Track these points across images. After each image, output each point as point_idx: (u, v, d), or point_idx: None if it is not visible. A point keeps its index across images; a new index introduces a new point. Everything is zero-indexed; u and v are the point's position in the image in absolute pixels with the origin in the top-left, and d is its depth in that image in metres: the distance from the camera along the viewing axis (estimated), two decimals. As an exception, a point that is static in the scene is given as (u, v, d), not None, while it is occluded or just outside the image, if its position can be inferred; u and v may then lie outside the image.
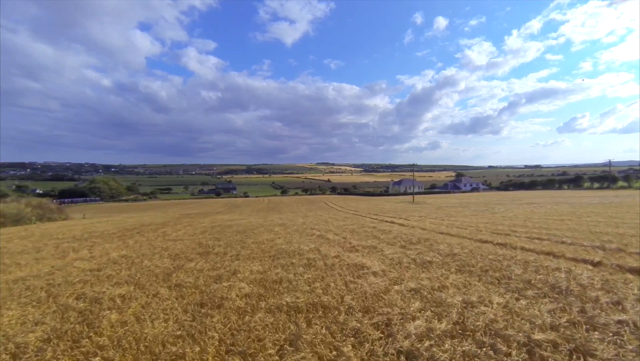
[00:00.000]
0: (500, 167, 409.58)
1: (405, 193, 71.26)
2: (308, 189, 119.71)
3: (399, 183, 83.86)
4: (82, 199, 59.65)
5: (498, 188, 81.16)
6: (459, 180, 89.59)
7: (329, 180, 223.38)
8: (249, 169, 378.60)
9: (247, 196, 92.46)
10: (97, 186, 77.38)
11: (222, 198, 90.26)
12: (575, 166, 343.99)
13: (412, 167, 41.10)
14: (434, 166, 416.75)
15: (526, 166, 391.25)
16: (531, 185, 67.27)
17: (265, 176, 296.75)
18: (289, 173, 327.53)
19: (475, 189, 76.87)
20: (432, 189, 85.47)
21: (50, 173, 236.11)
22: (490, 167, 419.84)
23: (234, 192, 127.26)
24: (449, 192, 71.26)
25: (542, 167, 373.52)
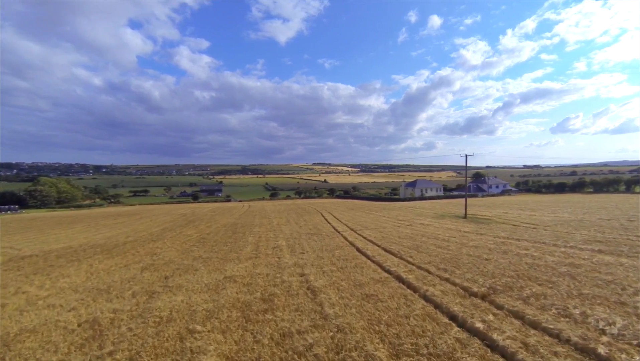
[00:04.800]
0: (498, 167, 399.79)
1: (422, 198, 57.05)
2: (302, 192, 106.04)
3: (412, 184, 68.99)
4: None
5: (528, 190, 68.08)
6: (481, 180, 75.09)
7: (325, 181, 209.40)
8: (244, 170, 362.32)
9: (229, 200, 78.41)
10: (40, 189, 62.33)
11: (198, 202, 76.55)
12: (575, 166, 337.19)
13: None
14: (431, 166, 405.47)
15: (525, 166, 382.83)
16: (577, 186, 54.16)
17: (260, 176, 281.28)
18: (284, 174, 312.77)
19: (506, 192, 63.24)
20: (451, 191, 71.65)
21: (35, 173, 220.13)
22: (488, 167, 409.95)
23: (219, 194, 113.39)
24: (474, 195, 57.81)
25: (542, 167, 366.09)
